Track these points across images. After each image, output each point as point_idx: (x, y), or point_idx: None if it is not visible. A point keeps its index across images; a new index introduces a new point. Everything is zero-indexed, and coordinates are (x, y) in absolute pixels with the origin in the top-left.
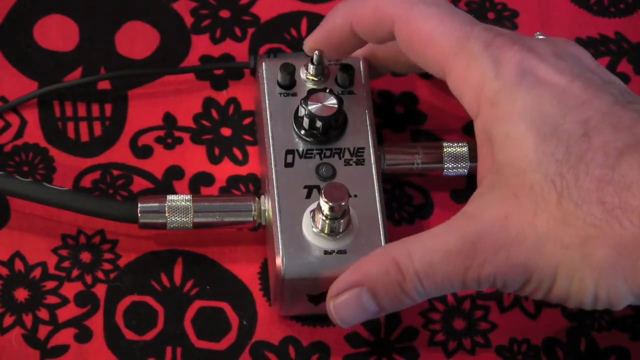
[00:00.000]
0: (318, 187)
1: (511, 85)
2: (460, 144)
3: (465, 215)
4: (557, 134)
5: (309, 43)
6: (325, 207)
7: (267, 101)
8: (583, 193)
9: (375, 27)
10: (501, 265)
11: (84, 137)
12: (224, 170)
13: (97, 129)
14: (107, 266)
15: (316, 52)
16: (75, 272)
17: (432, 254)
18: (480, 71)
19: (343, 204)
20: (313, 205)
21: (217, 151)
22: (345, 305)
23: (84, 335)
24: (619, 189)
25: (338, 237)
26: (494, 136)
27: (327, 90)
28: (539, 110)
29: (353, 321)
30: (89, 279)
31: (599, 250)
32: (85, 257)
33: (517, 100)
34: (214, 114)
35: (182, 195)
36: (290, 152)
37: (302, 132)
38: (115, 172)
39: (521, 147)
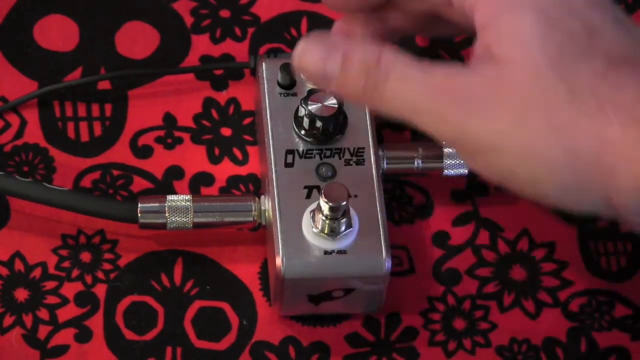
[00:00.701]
0: (318, 187)
1: None
2: None
3: (459, 67)
4: (561, 27)
5: None
6: (325, 207)
7: (267, 101)
8: (577, 83)
9: None
10: (478, 124)
11: (84, 137)
12: (224, 170)
13: (97, 129)
14: (107, 266)
15: None
16: (75, 272)
17: (411, 79)
18: None
19: (343, 204)
20: (313, 205)
21: (217, 151)
22: (312, 52)
23: (84, 335)
24: (614, 87)
25: (338, 237)
26: (494, 26)
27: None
28: (544, 8)
29: (309, 72)
30: (89, 279)
31: (578, 136)
32: (85, 257)
33: None
34: (214, 114)
35: (182, 195)
36: (290, 152)
37: (302, 132)
38: (115, 172)
39: (523, 34)
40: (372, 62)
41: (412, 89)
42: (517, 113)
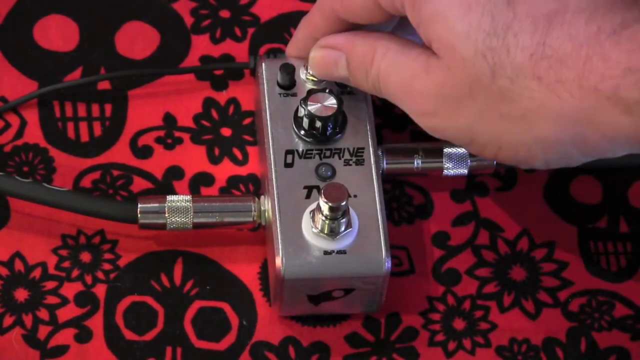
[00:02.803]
0: (318, 187)
1: None
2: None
3: (438, 62)
4: (481, 2)
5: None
6: (325, 207)
7: (267, 101)
8: (516, 69)
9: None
10: (443, 122)
11: (84, 137)
12: (224, 170)
13: (97, 129)
14: (107, 266)
15: None
16: (75, 272)
17: (394, 77)
18: None
19: (343, 204)
20: (313, 206)
21: (217, 151)
22: (322, 59)
23: (84, 335)
24: (554, 64)
25: (338, 237)
26: (422, 19)
27: (327, 91)
28: None
29: (323, 74)
30: (89, 279)
31: (542, 124)
32: (85, 257)
33: None
34: (214, 114)
35: (182, 196)
36: (290, 152)
37: (302, 132)
38: (115, 172)
39: (447, 21)
40: (368, 63)
41: (395, 85)
42: (476, 109)
